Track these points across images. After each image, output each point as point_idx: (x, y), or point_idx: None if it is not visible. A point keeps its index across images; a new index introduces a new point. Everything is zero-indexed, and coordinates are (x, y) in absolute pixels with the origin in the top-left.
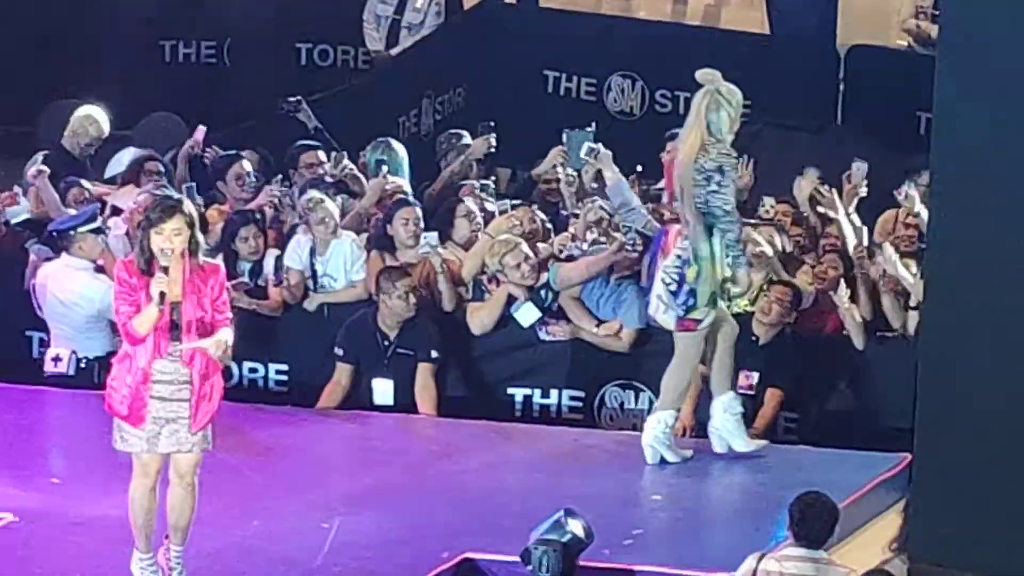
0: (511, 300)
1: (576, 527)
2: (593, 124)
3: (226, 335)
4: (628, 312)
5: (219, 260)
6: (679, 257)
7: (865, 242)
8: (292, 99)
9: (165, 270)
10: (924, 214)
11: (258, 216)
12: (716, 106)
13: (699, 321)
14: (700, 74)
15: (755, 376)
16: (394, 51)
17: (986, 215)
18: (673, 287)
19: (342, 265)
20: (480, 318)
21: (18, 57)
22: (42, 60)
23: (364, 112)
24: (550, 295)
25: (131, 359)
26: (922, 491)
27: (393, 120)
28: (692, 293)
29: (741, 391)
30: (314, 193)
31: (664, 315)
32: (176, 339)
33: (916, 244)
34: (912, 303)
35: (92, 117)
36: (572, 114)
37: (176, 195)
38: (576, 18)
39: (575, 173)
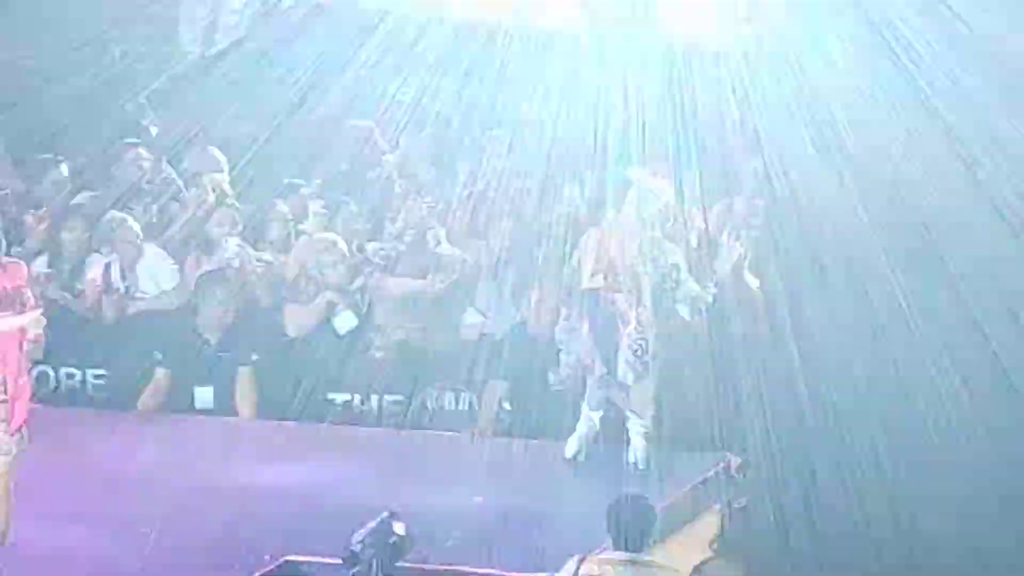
0: (332, 307)
1: (399, 528)
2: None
3: (38, 313)
4: None
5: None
6: (640, 323)
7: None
8: (139, 101)
9: None
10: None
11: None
12: (646, 202)
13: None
14: (629, 173)
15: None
16: (210, 52)
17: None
18: (639, 351)
19: (150, 278)
20: (297, 321)
21: None
22: None
23: (181, 113)
24: (368, 302)
25: None
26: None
27: (212, 122)
28: (654, 354)
29: (556, 387)
30: (114, 213)
31: (630, 376)
32: None
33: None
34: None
35: None
36: (394, 114)
37: None
38: (393, 20)
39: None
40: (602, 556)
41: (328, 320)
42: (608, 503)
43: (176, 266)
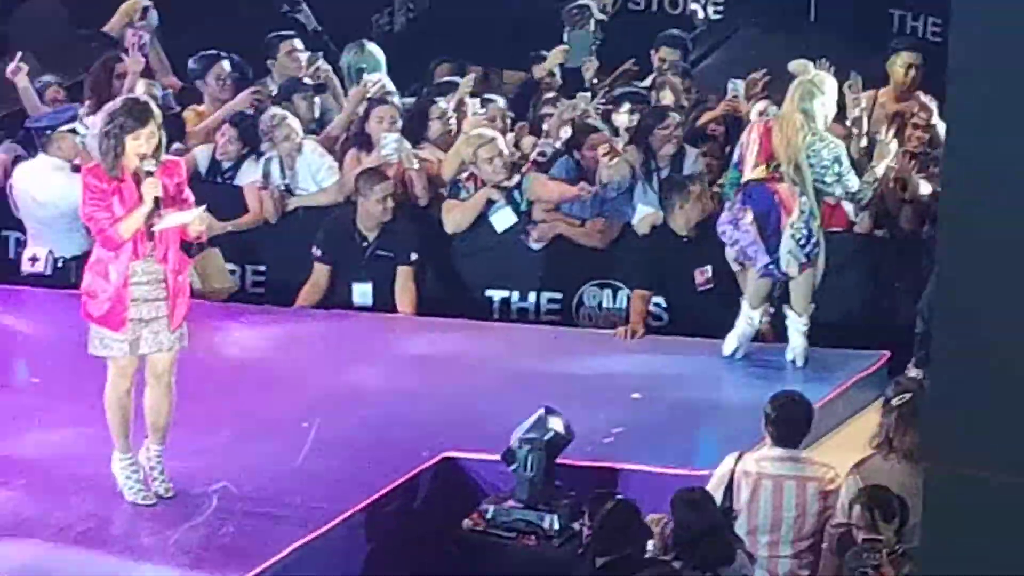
0: (490, 204)
1: (557, 424)
2: (592, 23)
3: (201, 209)
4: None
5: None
6: (803, 212)
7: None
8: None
9: (150, 174)
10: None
11: (244, 117)
12: (810, 96)
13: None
14: (793, 65)
15: (709, 270)
16: None
17: (1010, 114)
18: (803, 240)
19: (309, 176)
20: (455, 217)
21: None
22: None
23: (335, 11)
24: (526, 202)
25: (104, 263)
26: (937, 393)
27: (365, 19)
28: (817, 243)
29: (700, 288)
30: (276, 110)
31: (793, 267)
32: (150, 238)
33: (923, 145)
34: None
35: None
36: (545, 12)
37: (142, 97)
38: None
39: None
40: (759, 453)
41: (486, 217)
42: (765, 400)
43: (335, 163)
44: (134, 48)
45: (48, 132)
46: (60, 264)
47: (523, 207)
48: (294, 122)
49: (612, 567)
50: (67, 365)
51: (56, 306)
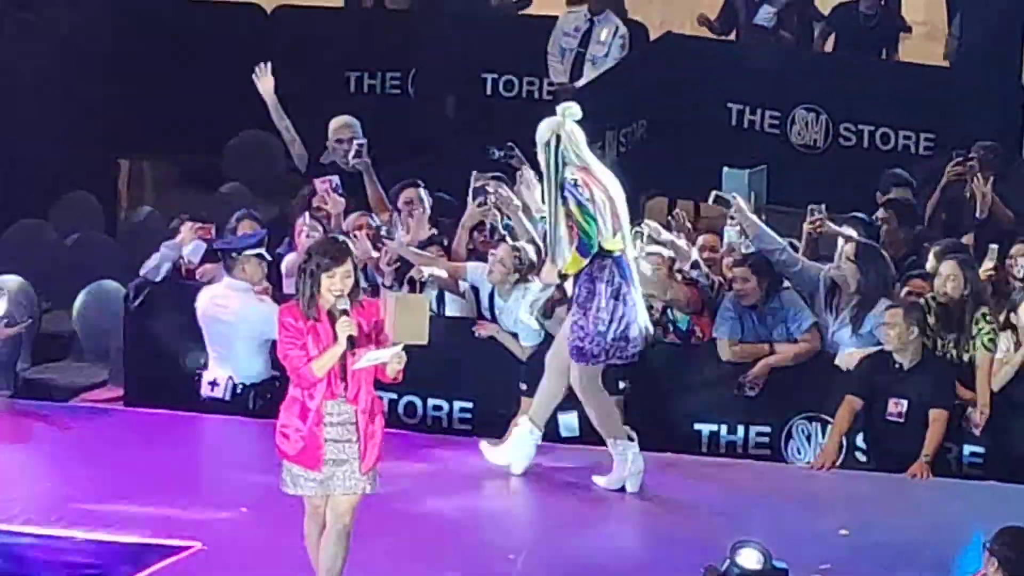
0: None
1: (747, 558)
2: (764, 166)
3: (398, 348)
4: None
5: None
6: None
7: None
8: (505, 145)
9: (345, 312)
10: None
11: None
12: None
13: None
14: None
15: (905, 404)
16: (578, 83)
17: None
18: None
19: (515, 322)
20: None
21: (204, 88)
22: (227, 91)
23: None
24: (684, 321)
25: (300, 402)
26: None
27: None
28: None
29: (891, 418)
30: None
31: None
32: (343, 378)
33: None
34: None
35: (350, 125)
36: (756, 147)
37: (340, 237)
38: (758, 51)
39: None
40: None
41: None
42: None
43: (541, 329)
44: (329, 191)
45: (235, 255)
46: (239, 390)
47: (683, 327)
48: (506, 255)
49: None
50: (272, 495)
51: (240, 433)
